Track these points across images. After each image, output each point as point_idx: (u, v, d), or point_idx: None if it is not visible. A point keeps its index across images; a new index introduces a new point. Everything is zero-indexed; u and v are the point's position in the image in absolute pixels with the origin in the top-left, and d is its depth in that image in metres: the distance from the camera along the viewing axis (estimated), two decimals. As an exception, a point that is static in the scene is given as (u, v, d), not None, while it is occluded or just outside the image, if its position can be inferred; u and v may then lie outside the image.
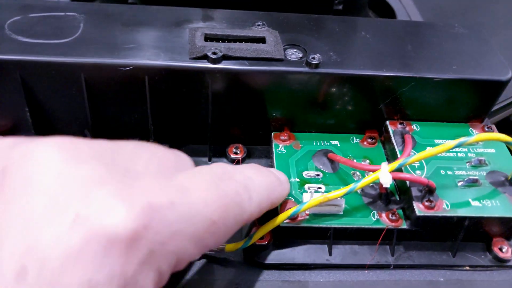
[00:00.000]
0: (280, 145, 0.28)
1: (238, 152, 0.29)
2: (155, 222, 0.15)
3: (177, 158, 0.20)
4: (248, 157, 0.29)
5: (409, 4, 0.37)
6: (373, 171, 0.24)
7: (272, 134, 0.28)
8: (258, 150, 0.29)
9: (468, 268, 0.25)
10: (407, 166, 0.25)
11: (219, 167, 0.20)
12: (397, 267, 0.25)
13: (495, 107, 0.38)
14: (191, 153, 0.28)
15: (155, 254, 0.15)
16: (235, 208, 0.18)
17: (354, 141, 0.29)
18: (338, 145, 0.28)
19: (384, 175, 0.23)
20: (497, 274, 0.25)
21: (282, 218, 0.23)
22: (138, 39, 0.26)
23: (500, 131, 0.29)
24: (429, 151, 0.23)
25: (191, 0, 0.33)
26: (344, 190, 0.23)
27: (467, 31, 0.29)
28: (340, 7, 0.36)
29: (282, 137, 0.28)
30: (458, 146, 0.23)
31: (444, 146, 0.23)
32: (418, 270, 0.25)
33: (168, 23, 0.28)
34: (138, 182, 0.16)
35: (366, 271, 0.25)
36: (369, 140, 0.29)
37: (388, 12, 0.38)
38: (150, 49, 0.25)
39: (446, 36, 0.29)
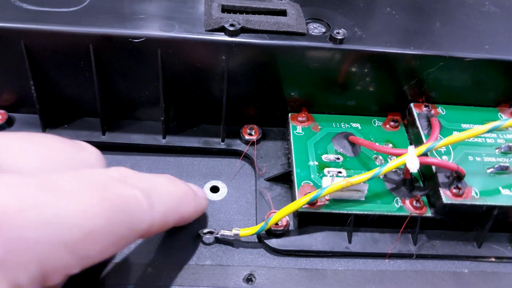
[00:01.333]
0: (297, 127, 0.27)
1: (253, 133, 0.27)
2: (3, 228, 0.13)
3: (76, 152, 0.18)
4: (263, 138, 0.27)
5: None
6: (398, 155, 0.23)
7: (290, 115, 0.27)
8: (273, 132, 0.28)
9: (493, 259, 0.24)
10: (434, 151, 0.24)
11: (117, 171, 0.17)
12: (420, 256, 0.23)
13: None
14: (204, 133, 0.27)
15: (5, 263, 0.13)
16: (128, 214, 0.16)
17: (376, 124, 0.27)
18: (359, 127, 0.27)
19: (411, 159, 0.22)
20: (524, 267, 0.24)
21: (301, 203, 0.22)
22: (150, 9, 0.25)
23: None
24: (459, 135, 0.22)
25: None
26: (368, 174, 0.22)
27: (498, 9, 0.28)
28: None
29: (300, 118, 0.27)
30: (491, 130, 0.22)
31: (476, 130, 0.22)
32: (442, 261, 0.23)
33: None
34: (1, 179, 0.14)
35: (387, 260, 0.23)
36: (392, 123, 0.27)
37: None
38: (163, 20, 0.24)
39: (476, 14, 0.27)
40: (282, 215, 0.22)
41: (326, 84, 0.26)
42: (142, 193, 0.17)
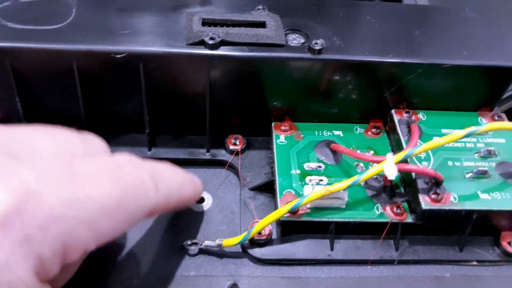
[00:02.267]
0: (280, 136, 0.27)
1: (237, 143, 0.28)
2: (31, 206, 0.15)
3: (84, 142, 0.19)
4: (247, 148, 0.28)
5: None
6: (378, 162, 0.23)
7: (273, 124, 0.27)
8: (258, 141, 0.28)
9: (475, 263, 0.24)
10: (413, 157, 0.24)
11: (126, 157, 0.19)
12: (402, 262, 0.24)
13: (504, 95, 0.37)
14: (189, 144, 0.28)
15: (32, 238, 0.15)
16: (136, 194, 0.18)
17: (358, 131, 0.28)
18: (341, 135, 0.27)
19: (389, 166, 0.22)
20: (506, 269, 0.24)
21: (282, 211, 0.22)
22: (132, 24, 0.25)
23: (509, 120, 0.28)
24: (437, 141, 0.22)
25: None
26: (347, 182, 0.22)
27: (477, 15, 0.28)
28: None
29: (283, 127, 0.27)
30: (468, 135, 0.22)
31: (452, 136, 0.22)
32: (424, 266, 0.24)
33: (164, 8, 0.26)
34: (24, 165, 0.16)
35: (369, 267, 0.24)
36: (374, 130, 0.27)
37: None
38: (145, 35, 0.24)
39: (455, 20, 0.27)
40: (264, 225, 0.23)
41: (308, 93, 0.26)
42: (148, 175, 0.19)
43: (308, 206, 0.23)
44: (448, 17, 0.28)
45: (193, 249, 0.24)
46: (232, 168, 0.27)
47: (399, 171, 0.23)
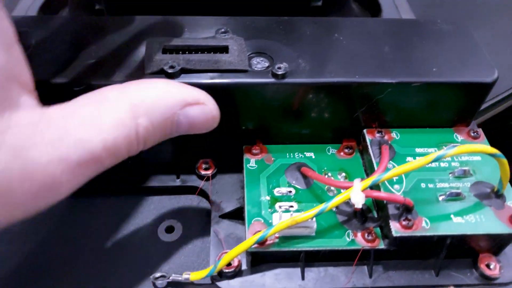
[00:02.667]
0: (251, 160, 0.26)
1: (208, 167, 0.27)
2: None
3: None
4: (219, 172, 0.27)
5: None
6: (346, 188, 0.22)
7: (244, 147, 0.27)
8: (230, 165, 0.28)
9: (452, 287, 0.23)
10: (385, 181, 0.24)
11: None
12: (374, 289, 0.23)
13: (486, 105, 0.36)
14: (158, 171, 0.27)
15: None
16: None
17: (330, 151, 0.27)
18: (313, 157, 0.27)
19: (356, 194, 0.22)
20: (484, 293, 0.23)
21: (248, 243, 0.22)
22: (93, 55, 0.24)
23: (490, 128, 0.27)
24: (404, 167, 0.21)
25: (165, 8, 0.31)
26: (313, 212, 0.22)
27: (450, 27, 0.27)
28: (319, 2, 0.33)
29: (253, 151, 0.27)
30: (435, 160, 0.21)
31: (420, 161, 0.21)
32: (399, 292, 0.23)
33: (126, 35, 0.26)
34: None
35: (342, 295, 0.23)
36: (346, 150, 0.27)
37: (374, 5, 0.35)
38: (105, 66, 0.24)
39: (427, 34, 0.27)
40: (230, 257, 0.22)
41: (277, 116, 0.26)
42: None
43: (277, 235, 0.23)
44: (419, 31, 0.27)
45: (161, 283, 0.23)
46: (203, 194, 0.27)
47: (367, 198, 0.22)
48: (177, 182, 0.27)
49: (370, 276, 0.23)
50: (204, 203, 0.27)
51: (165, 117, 0.19)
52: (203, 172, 0.27)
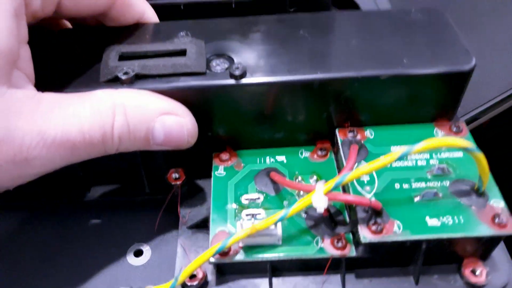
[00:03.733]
0: (219, 167, 0.25)
1: (178, 177, 0.26)
2: None
3: None
4: (189, 182, 0.26)
5: (383, 3, 0.33)
6: (309, 191, 0.21)
7: (213, 154, 0.26)
8: (200, 173, 0.26)
9: (434, 297, 0.21)
10: (354, 181, 0.22)
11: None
12: (348, 300, 0.21)
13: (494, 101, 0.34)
14: (126, 181, 0.27)
15: None
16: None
17: (303, 154, 0.25)
18: (285, 161, 0.25)
19: (318, 198, 0.20)
20: (471, 303, 0.21)
21: (207, 255, 0.21)
22: (53, 64, 0.24)
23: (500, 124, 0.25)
24: (367, 166, 0.20)
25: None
26: (273, 218, 0.20)
27: (426, 15, 0.25)
28: (292, 10, 0.32)
29: (223, 157, 0.25)
30: (401, 158, 0.19)
31: (384, 160, 0.20)
32: (375, 302, 0.21)
33: (89, 44, 0.25)
34: None
35: (313, 307, 0.21)
36: (319, 152, 0.25)
37: (352, 5, 0.34)
38: (63, 75, 0.23)
39: (399, 24, 0.25)
40: (191, 269, 0.21)
41: (242, 119, 0.24)
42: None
43: (240, 245, 0.22)
44: (391, 22, 0.25)
45: (122, 299, 0.22)
46: (172, 205, 0.26)
47: (331, 201, 0.20)
48: (146, 193, 0.26)
49: (343, 286, 0.22)
50: (175, 214, 0.26)
51: (142, 120, 0.21)
52: (172, 182, 0.26)
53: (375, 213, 0.21)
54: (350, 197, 0.21)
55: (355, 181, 0.22)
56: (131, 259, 0.25)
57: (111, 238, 0.25)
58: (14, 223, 0.26)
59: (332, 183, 0.20)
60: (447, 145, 0.19)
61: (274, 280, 0.22)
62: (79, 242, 0.25)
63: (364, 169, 0.20)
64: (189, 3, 0.31)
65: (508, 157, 0.37)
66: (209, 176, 0.26)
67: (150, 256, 0.25)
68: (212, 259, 0.21)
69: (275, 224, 0.21)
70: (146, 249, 0.25)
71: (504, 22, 0.39)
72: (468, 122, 0.33)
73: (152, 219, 0.26)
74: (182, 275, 0.21)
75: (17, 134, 0.19)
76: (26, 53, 0.21)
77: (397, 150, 0.20)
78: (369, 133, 0.24)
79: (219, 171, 0.25)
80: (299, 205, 0.20)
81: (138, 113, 0.21)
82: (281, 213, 0.20)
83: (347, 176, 0.20)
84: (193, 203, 0.25)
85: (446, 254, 0.21)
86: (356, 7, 0.34)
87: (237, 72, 0.22)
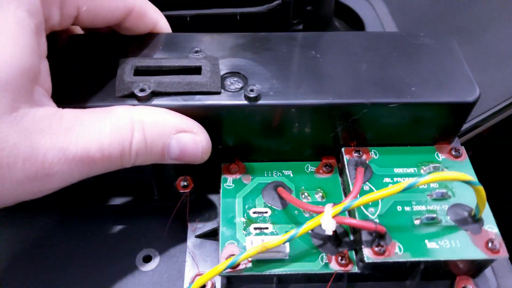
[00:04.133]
0: (228, 179, 0.26)
1: (187, 185, 0.27)
2: None
3: None
4: (198, 190, 0.27)
5: (383, 11, 0.34)
6: (318, 213, 0.22)
7: (222, 165, 0.27)
8: (209, 183, 0.27)
9: (429, 310, 0.23)
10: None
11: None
12: (349, 313, 0.23)
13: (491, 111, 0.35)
14: (135, 188, 0.27)
15: None
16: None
17: (309, 169, 0.26)
18: (291, 175, 0.26)
19: (327, 221, 0.21)
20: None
21: (219, 269, 0.22)
22: (68, 75, 0.24)
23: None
24: (374, 194, 0.21)
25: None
26: (283, 237, 0.22)
27: (433, 41, 0.26)
28: (300, 26, 0.32)
29: (231, 169, 0.26)
30: (406, 189, 0.21)
31: (390, 190, 0.21)
32: (374, 315, 0.23)
33: (102, 53, 0.26)
34: None
35: (316, 319, 0.23)
36: (324, 168, 0.26)
37: (357, 21, 0.34)
38: (77, 89, 0.24)
39: (408, 49, 0.26)
40: (202, 282, 0.22)
41: (252, 135, 0.25)
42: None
43: (250, 259, 0.23)
44: (400, 46, 0.26)
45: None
46: (181, 213, 0.27)
47: (338, 224, 0.22)
48: (155, 201, 0.27)
49: (345, 300, 0.23)
50: (183, 222, 0.27)
51: (159, 137, 0.22)
52: (181, 190, 0.27)
53: (379, 236, 0.22)
54: (357, 222, 0.22)
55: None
56: (140, 264, 0.26)
57: (120, 244, 0.26)
58: (24, 230, 0.26)
59: (340, 207, 0.21)
60: (451, 179, 0.21)
61: (280, 293, 0.23)
62: (89, 247, 0.26)
63: (371, 197, 0.21)
64: (196, 15, 0.31)
65: (509, 164, 0.38)
66: (217, 185, 0.27)
67: (158, 262, 0.26)
68: (223, 272, 0.22)
69: (285, 243, 0.22)
70: (155, 254, 0.26)
71: (505, 30, 0.40)
72: (468, 130, 0.34)
73: (161, 225, 0.27)
74: (194, 286, 0.22)
75: (40, 152, 0.19)
76: (45, 67, 0.22)
77: (404, 182, 0.21)
78: (373, 154, 0.26)
79: (228, 183, 0.26)
80: (308, 226, 0.22)
81: (155, 130, 0.22)
82: (291, 232, 0.22)
83: (354, 202, 0.21)
84: (201, 212, 0.26)
85: (441, 273, 0.23)
86: (357, 18, 0.35)
87: (252, 95, 0.23)
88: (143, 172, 0.27)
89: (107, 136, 0.21)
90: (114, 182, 0.27)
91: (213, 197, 0.27)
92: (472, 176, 0.21)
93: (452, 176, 0.21)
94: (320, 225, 0.22)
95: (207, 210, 0.27)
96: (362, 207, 0.23)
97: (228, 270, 0.22)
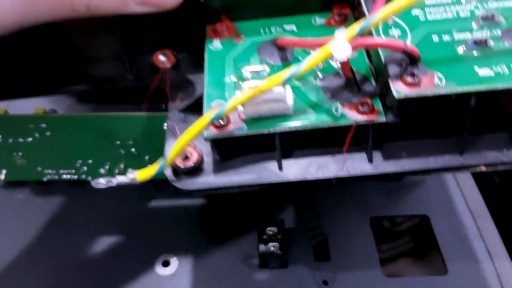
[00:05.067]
0: (214, 40, 0.21)
1: (166, 59, 0.22)
2: None
3: None
4: (179, 64, 0.22)
5: None
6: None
7: (206, 26, 0.21)
8: (192, 55, 0.22)
9: (483, 168, 0.17)
10: (382, 34, 0.18)
11: None
12: (377, 177, 0.17)
13: None
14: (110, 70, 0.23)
15: None
16: None
17: (318, 22, 0.21)
18: (295, 30, 0.21)
19: (339, 45, 0.16)
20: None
21: (202, 123, 0.17)
22: None
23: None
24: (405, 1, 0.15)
25: None
26: (282, 75, 0.16)
27: None
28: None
29: (218, 29, 0.21)
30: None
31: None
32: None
33: None
34: None
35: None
36: (337, 18, 0.21)
37: None
38: None
39: None
40: (182, 143, 0.17)
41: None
42: None
43: (243, 116, 0.18)
44: None
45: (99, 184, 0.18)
46: (161, 91, 0.22)
47: (355, 49, 0.16)
48: (130, 79, 0.22)
49: (370, 161, 0.18)
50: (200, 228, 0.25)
51: None
52: (160, 66, 0.22)
53: (410, 63, 0.16)
54: (378, 40, 0.16)
55: (382, 34, 0.18)
56: (159, 269, 0.25)
57: (140, 248, 0.26)
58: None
59: (357, 27, 0.16)
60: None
61: (285, 162, 0.18)
62: (109, 251, 0.26)
63: (397, 5, 0.16)
64: None
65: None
66: (202, 57, 0.21)
67: (177, 267, 0.25)
68: (208, 133, 0.17)
69: (284, 84, 0.17)
70: (174, 259, 0.26)
71: None
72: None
73: (180, 229, 0.27)
74: (173, 152, 0.17)
75: None
76: None
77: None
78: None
79: (214, 44, 0.21)
80: (314, 58, 0.16)
81: None
82: (291, 69, 0.16)
83: (374, 16, 0.16)
84: (185, 87, 0.21)
85: (496, 119, 0.17)
86: None
87: None
88: (115, 51, 0.22)
89: None
90: (84, 63, 0.22)
91: (199, 72, 0.22)
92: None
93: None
94: (336, 71, 0.17)
95: (193, 84, 0.21)
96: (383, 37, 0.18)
97: (214, 130, 0.17)
